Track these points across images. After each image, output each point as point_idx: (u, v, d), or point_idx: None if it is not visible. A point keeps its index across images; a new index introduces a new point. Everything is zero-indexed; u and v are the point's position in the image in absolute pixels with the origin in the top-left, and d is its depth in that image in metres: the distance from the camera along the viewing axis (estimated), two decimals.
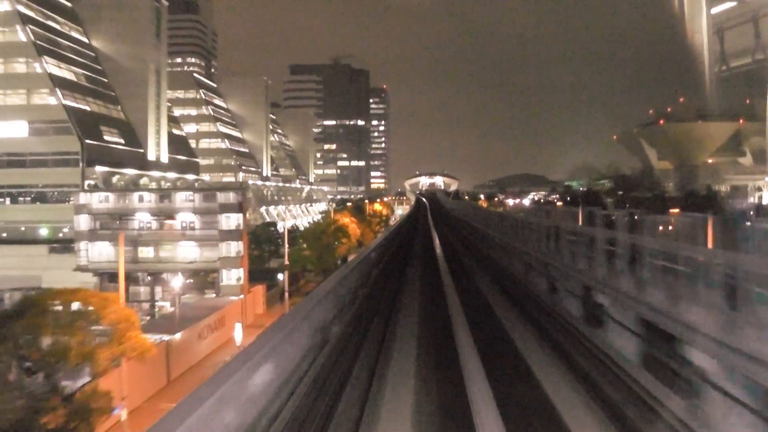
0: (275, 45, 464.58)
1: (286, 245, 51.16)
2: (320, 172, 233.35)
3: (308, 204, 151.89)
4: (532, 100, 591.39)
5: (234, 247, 47.83)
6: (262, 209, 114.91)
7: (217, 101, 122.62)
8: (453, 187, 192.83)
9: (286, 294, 48.94)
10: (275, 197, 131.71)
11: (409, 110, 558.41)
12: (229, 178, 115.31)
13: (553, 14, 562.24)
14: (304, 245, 61.81)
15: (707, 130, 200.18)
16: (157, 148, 76.93)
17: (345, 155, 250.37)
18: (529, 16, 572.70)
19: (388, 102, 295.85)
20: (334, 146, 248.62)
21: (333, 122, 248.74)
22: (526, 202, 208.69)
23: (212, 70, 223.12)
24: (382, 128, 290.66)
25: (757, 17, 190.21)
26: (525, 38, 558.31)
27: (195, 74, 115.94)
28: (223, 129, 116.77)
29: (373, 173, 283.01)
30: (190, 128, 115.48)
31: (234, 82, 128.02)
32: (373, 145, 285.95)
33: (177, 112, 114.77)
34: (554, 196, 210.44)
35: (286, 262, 50.29)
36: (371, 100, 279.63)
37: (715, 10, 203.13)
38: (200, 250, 48.40)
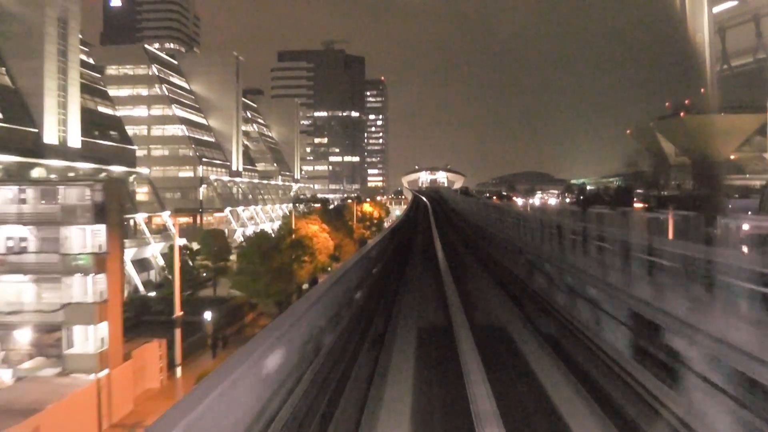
0: (264, 33, 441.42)
1: (176, 273, 30.54)
2: (310, 168, 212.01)
3: (294, 204, 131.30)
4: (535, 98, 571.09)
5: (94, 284, 26.93)
6: (227, 211, 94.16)
7: (176, 80, 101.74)
8: (458, 184, 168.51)
9: (178, 363, 28.29)
10: (249, 196, 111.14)
11: (408, 106, 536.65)
12: (187, 172, 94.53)
13: (552, 13, 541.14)
14: (246, 266, 41.16)
15: (732, 123, 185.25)
16: (62, 128, 56.10)
17: (337, 150, 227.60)
18: (528, 15, 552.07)
19: (387, 95, 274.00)
20: (325, 140, 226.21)
21: (324, 113, 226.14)
22: (536, 201, 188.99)
23: None
24: (379, 123, 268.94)
25: (758, 16, 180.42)
26: (525, 37, 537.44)
27: (146, 46, 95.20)
28: (180, 113, 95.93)
29: (370, 171, 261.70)
30: (139, 111, 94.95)
31: (198, 60, 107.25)
32: (371, 141, 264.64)
33: (124, 91, 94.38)
34: (569, 195, 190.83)
35: (178, 312, 29.58)
36: (368, 93, 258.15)
37: (716, 9, 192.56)
38: (38, 290, 27.49)
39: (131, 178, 69.75)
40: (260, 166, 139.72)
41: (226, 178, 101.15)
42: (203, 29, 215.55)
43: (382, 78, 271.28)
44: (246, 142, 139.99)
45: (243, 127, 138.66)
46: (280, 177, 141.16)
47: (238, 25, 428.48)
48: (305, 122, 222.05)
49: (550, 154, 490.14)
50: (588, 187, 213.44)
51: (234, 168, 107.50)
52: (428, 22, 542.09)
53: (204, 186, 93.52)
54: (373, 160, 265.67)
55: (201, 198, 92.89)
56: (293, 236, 42.35)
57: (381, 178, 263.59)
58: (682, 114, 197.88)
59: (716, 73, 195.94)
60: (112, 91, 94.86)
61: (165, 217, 71.67)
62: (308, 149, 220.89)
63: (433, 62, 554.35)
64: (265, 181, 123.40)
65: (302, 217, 52.25)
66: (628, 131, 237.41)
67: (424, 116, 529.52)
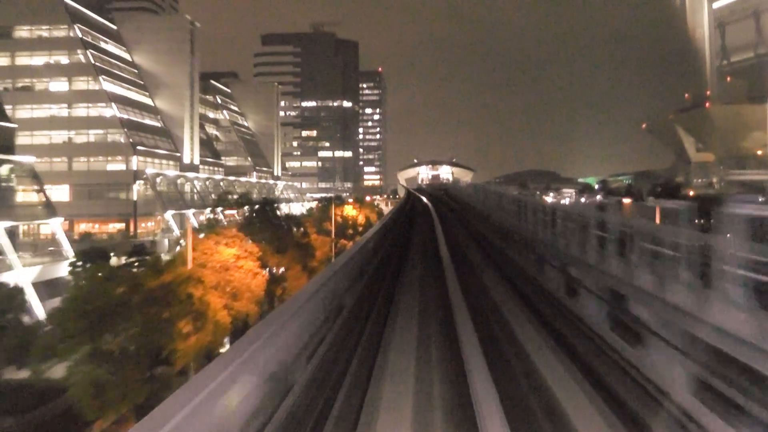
0: (248, 14, 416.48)
1: None
2: (297, 164, 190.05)
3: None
4: (538, 96, 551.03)
5: None
6: (168, 215, 72.57)
7: (111, 47, 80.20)
8: (465, 181, 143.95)
9: None
10: (213, 196, 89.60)
11: (407, 101, 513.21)
12: (118, 164, 73.11)
13: (553, 12, 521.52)
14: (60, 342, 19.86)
15: (765, 114, 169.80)
16: None
17: (328, 144, 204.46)
18: (528, 14, 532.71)
19: (385, 87, 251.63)
20: (314, 133, 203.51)
21: (313, 103, 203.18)
22: (548, 199, 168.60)
23: None
24: (377, 117, 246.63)
25: (758, 12, 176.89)
26: (526, 36, 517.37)
27: (67, 1, 73.57)
28: (111, 87, 74.38)
29: (366, 168, 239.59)
30: (58, 85, 73.70)
31: (142, 25, 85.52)
32: (367, 137, 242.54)
33: (38, 59, 73.29)
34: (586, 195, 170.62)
35: None
36: (364, 85, 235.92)
37: (716, 5, 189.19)
38: None
39: (4, 169, 48.39)
40: (231, 161, 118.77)
41: (172, 173, 79.63)
42: (182, 8, 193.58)
43: (380, 69, 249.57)
44: (215, 132, 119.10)
45: (211, 114, 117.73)
46: (255, 173, 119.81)
47: (220, 4, 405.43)
48: (292, 113, 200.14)
49: (555, 152, 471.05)
50: (596, 186, 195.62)
51: (187, 160, 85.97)
52: (427, 16, 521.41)
53: (139, 182, 72.14)
54: (370, 157, 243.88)
55: (135, 198, 71.50)
56: (165, 276, 20.85)
57: (378, 177, 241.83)
58: (707, 104, 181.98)
59: (716, 68, 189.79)
60: (23, 59, 74.06)
61: (55, 226, 50.09)
62: (295, 143, 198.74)
63: (433, 57, 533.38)
64: (232, 178, 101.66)
65: (219, 232, 30.33)
66: (643, 125, 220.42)
67: (424, 113, 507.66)
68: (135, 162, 71.81)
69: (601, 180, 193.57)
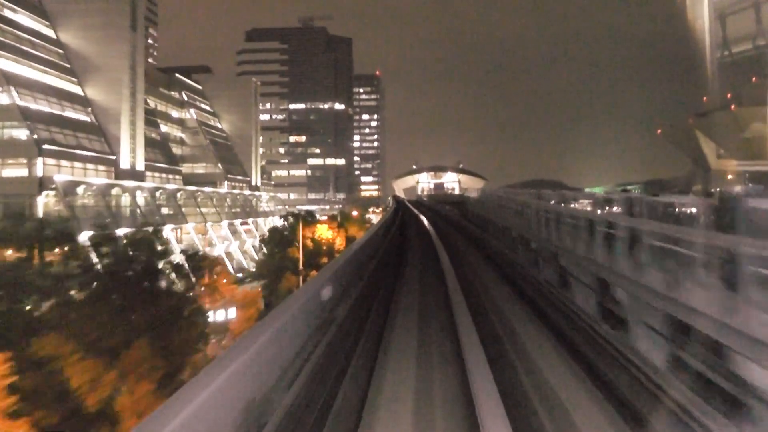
0: (232, 8, 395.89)
1: None
2: (284, 173, 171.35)
3: (250, 219, 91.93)
4: (541, 102, 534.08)
5: None
6: (85, 237, 53.66)
7: (22, 18, 61.98)
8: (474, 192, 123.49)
9: None
10: (165, 210, 71.32)
11: (407, 107, 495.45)
12: (19, 169, 54.71)
13: (552, 15, 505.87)
14: None
15: None
16: None
17: (318, 150, 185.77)
18: (527, 18, 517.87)
19: (383, 92, 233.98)
20: (303, 138, 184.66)
21: (302, 105, 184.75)
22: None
23: (148, 40, 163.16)
24: (374, 123, 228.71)
25: (759, 3, 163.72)
26: (525, 41, 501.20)
27: None
28: (12, 67, 56.16)
29: (363, 178, 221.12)
30: None
31: None
32: (364, 144, 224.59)
33: None
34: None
35: None
36: (361, 90, 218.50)
37: None
38: None
39: None
40: (199, 167, 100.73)
41: (101, 181, 61.05)
42: (161, 2, 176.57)
43: (378, 72, 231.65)
44: (180, 134, 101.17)
45: (175, 113, 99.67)
46: (226, 182, 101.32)
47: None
48: (278, 116, 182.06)
49: (561, 161, 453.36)
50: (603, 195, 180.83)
51: (125, 165, 67.41)
52: (426, 18, 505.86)
53: (47, 193, 53.71)
54: (368, 165, 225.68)
55: (41, 215, 53.02)
56: None
57: (376, 187, 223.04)
58: (732, 107, 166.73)
59: (716, 60, 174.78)
60: None
61: None
62: (282, 149, 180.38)
63: (433, 62, 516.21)
64: (193, 188, 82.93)
65: None
66: (658, 131, 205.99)
67: (425, 120, 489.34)
68: (40, 165, 53.34)
69: (621, 188, 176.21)
